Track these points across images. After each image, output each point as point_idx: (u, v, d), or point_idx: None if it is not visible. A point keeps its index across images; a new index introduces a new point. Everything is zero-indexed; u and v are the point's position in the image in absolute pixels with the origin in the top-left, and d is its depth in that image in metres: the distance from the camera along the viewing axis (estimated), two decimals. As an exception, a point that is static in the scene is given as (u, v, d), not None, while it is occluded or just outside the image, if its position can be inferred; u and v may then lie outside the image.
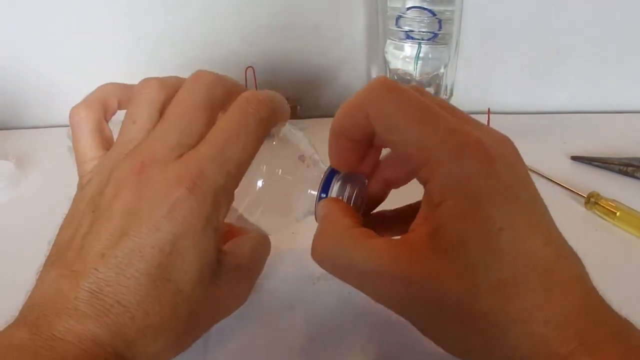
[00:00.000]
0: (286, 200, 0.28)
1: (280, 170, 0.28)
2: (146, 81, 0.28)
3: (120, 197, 0.23)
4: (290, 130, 0.29)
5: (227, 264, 0.26)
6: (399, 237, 0.24)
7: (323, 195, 0.27)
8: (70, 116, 0.28)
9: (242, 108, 0.25)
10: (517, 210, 0.21)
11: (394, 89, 0.23)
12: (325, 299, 0.34)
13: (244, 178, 0.25)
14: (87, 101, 0.29)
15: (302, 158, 0.29)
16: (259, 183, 0.28)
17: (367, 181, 0.28)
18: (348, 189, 0.27)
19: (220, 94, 0.26)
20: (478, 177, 0.21)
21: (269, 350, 0.31)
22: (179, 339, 0.25)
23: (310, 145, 0.30)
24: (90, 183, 0.26)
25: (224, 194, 0.24)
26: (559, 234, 0.22)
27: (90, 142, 0.28)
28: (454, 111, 0.24)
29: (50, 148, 0.56)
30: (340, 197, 0.27)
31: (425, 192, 0.23)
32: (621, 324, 0.21)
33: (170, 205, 0.23)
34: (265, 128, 0.26)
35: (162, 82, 0.27)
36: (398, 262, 0.22)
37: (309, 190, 0.28)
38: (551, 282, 0.20)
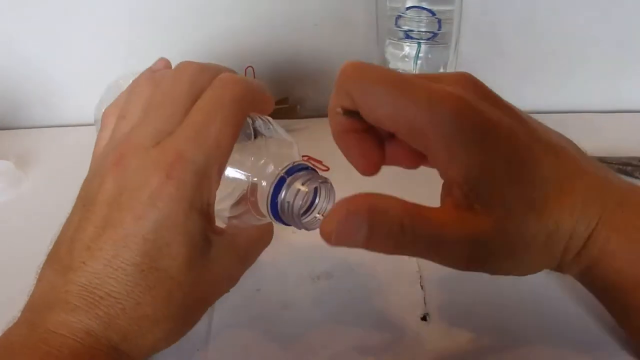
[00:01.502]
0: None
1: (262, 161, 0.27)
2: (138, 79, 0.28)
3: (103, 188, 0.24)
4: (275, 128, 0.29)
5: (219, 245, 0.26)
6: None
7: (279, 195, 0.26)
8: (103, 115, 0.29)
9: (217, 87, 0.25)
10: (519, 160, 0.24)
11: (365, 67, 0.24)
12: (325, 298, 0.34)
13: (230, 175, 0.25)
14: (117, 102, 0.29)
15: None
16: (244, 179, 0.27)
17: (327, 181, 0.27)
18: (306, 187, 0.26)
19: (203, 81, 0.26)
20: (484, 144, 0.23)
21: (269, 350, 0.31)
22: (176, 327, 0.25)
23: (294, 145, 0.29)
24: (85, 178, 0.26)
25: (206, 174, 0.24)
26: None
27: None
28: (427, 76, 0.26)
29: (51, 148, 0.56)
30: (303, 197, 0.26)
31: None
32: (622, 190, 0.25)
33: (150, 192, 0.23)
34: (242, 107, 0.25)
35: (153, 79, 0.27)
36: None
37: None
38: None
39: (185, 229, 0.23)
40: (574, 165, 0.25)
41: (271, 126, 0.29)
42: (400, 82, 0.23)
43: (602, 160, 0.47)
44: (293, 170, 0.26)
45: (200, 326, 0.32)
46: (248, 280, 0.31)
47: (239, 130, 0.25)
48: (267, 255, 0.31)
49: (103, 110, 0.35)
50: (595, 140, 0.51)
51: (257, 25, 0.56)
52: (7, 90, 0.59)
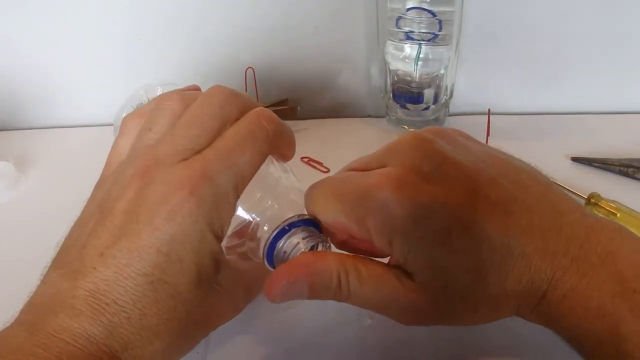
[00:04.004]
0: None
1: (267, 201, 0.28)
2: (168, 93, 0.28)
3: (123, 197, 0.24)
4: (278, 162, 0.29)
5: (226, 271, 0.26)
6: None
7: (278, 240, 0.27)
8: (123, 122, 0.29)
9: (253, 120, 0.26)
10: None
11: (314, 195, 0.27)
12: (325, 300, 0.34)
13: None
14: (141, 111, 0.29)
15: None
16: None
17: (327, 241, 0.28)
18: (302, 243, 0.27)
19: (233, 108, 0.26)
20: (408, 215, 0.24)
21: (269, 351, 0.31)
22: (176, 343, 0.25)
23: (296, 180, 0.30)
24: (104, 185, 0.26)
25: (227, 200, 0.24)
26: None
27: (129, 146, 0.28)
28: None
29: (50, 149, 0.56)
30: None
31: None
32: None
33: (171, 206, 0.23)
34: (271, 145, 0.26)
35: (183, 95, 0.27)
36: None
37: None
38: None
39: (199, 248, 0.23)
40: (525, 222, 0.25)
41: (287, 169, 0.30)
42: (340, 197, 0.26)
43: (603, 161, 0.47)
44: (296, 224, 0.27)
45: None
46: (248, 282, 0.31)
47: (261, 165, 0.26)
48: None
49: (121, 119, 0.34)
50: (596, 141, 0.51)
51: (258, 27, 0.56)
52: (6, 92, 0.59)
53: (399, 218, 0.24)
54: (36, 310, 0.23)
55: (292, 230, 0.27)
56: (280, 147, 0.28)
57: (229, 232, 0.27)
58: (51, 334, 0.21)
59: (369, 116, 0.60)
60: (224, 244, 0.27)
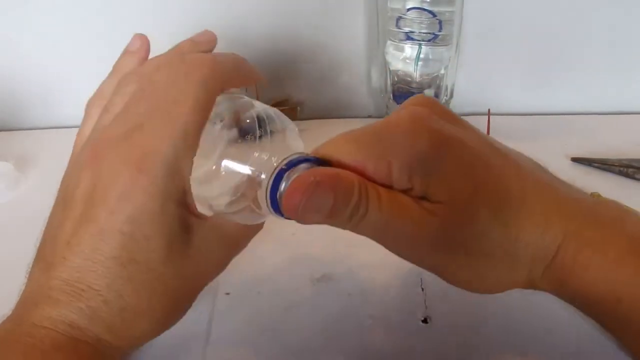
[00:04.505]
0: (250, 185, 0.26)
1: (254, 151, 0.26)
2: (126, 75, 0.28)
3: (80, 185, 0.24)
4: (260, 104, 0.27)
5: (202, 231, 0.25)
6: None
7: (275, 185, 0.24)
8: (86, 105, 0.29)
9: (181, 74, 0.25)
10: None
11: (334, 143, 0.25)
12: (325, 301, 0.34)
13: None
14: (102, 93, 0.29)
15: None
16: (225, 166, 0.26)
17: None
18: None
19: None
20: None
21: (269, 352, 0.31)
22: (163, 317, 0.25)
23: (286, 118, 0.28)
24: (64, 175, 0.26)
25: (177, 164, 0.23)
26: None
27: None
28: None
29: (50, 149, 0.56)
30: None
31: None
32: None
33: (122, 187, 0.23)
34: (209, 90, 0.25)
35: (140, 74, 0.27)
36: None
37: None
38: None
39: (163, 221, 0.23)
40: (536, 180, 0.25)
41: (277, 119, 0.28)
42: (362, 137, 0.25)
43: (603, 161, 0.47)
44: (293, 163, 0.25)
45: (200, 328, 0.32)
46: (248, 282, 0.31)
47: (208, 113, 0.25)
48: (267, 258, 0.31)
49: None
50: (596, 142, 0.51)
51: (257, 27, 0.55)
52: (6, 92, 0.59)
53: (421, 151, 0.23)
54: (22, 305, 0.24)
55: (288, 172, 0.24)
56: (230, 81, 0.26)
57: (232, 198, 0.26)
58: (34, 323, 0.22)
59: (369, 116, 0.60)
60: (224, 209, 0.26)
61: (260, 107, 0.27)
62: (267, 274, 0.35)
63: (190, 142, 0.24)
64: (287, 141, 0.28)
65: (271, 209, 0.25)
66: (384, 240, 0.25)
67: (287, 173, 0.24)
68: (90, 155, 0.24)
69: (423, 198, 0.24)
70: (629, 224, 0.25)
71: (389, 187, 0.24)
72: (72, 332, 0.22)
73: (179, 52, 0.29)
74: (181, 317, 0.26)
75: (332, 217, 0.23)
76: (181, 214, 0.24)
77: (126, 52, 0.31)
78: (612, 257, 0.23)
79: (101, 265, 0.22)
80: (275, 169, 0.24)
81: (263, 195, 0.25)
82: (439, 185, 0.23)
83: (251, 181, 0.26)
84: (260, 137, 0.26)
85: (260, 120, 0.27)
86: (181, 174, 0.24)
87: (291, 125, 0.28)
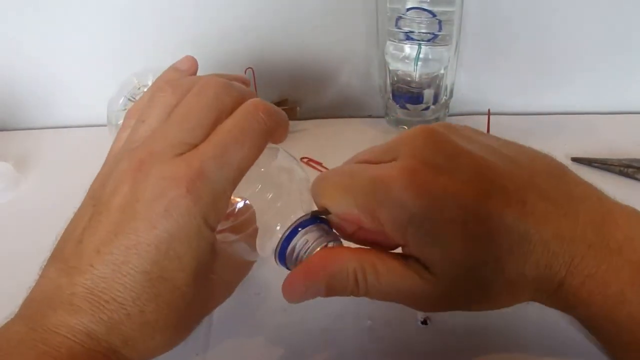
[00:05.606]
0: (265, 227, 0.28)
1: (270, 195, 0.27)
2: (161, 83, 0.28)
3: (119, 192, 0.24)
4: (285, 154, 0.29)
5: (221, 257, 0.26)
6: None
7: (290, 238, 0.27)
8: (125, 115, 0.29)
9: (250, 112, 0.25)
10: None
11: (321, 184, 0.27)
12: (325, 302, 0.33)
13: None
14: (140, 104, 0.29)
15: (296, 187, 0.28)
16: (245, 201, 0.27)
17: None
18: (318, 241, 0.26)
19: (228, 98, 0.26)
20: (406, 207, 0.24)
21: (268, 354, 0.31)
22: (176, 334, 0.25)
23: (304, 172, 0.29)
24: (97, 177, 0.26)
25: (223, 196, 0.24)
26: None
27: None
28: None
29: (50, 149, 0.56)
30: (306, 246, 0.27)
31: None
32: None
33: (167, 203, 0.23)
34: (267, 138, 0.26)
35: (176, 85, 0.27)
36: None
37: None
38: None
39: (198, 243, 0.23)
40: (541, 210, 0.24)
41: (292, 159, 0.29)
42: (349, 188, 0.26)
43: (603, 161, 0.47)
44: (306, 223, 0.27)
45: (199, 330, 0.32)
46: (248, 284, 0.31)
47: (258, 157, 0.25)
48: (267, 259, 0.31)
49: (113, 107, 0.34)
50: (596, 142, 0.51)
51: (257, 27, 0.55)
52: (6, 92, 0.59)
53: (412, 211, 0.24)
54: (36, 305, 0.23)
55: (304, 230, 0.26)
56: (276, 134, 0.27)
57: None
58: (50, 329, 0.22)
59: (369, 116, 0.60)
60: (226, 238, 0.27)
61: (281, 158, 0.29)
62: (266, 275, 0.35)
63: (238, 178, 0.25)
64: (292, 182, 0.29)
65: (277, 259, 0.27)
66: (390, 301, 0.26)
67: (300, 232, 0.26)
68: (134, 165, 0.24)
69: (418, 259, 0.25)
70: (638, 242, 0.24)
71: (384, 240, 0.26)
72: (89, 343, 0.22)
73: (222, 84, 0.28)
74: (187, 336, 0.26)
75: (332, 296, 0.25)
76: (212, 239, 0.24)
77: (173, 68, 0.31)
78: (614, 292, 0.23)
79: (130, 279, 0.22)
80: (291, 227, 0.26)
81: (265, 242, 0.27)
82: (431, 254, 0.24)
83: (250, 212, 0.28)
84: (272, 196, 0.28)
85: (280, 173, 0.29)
86: (222, 203, 0.24)
87: (302, 175, 0.29)
